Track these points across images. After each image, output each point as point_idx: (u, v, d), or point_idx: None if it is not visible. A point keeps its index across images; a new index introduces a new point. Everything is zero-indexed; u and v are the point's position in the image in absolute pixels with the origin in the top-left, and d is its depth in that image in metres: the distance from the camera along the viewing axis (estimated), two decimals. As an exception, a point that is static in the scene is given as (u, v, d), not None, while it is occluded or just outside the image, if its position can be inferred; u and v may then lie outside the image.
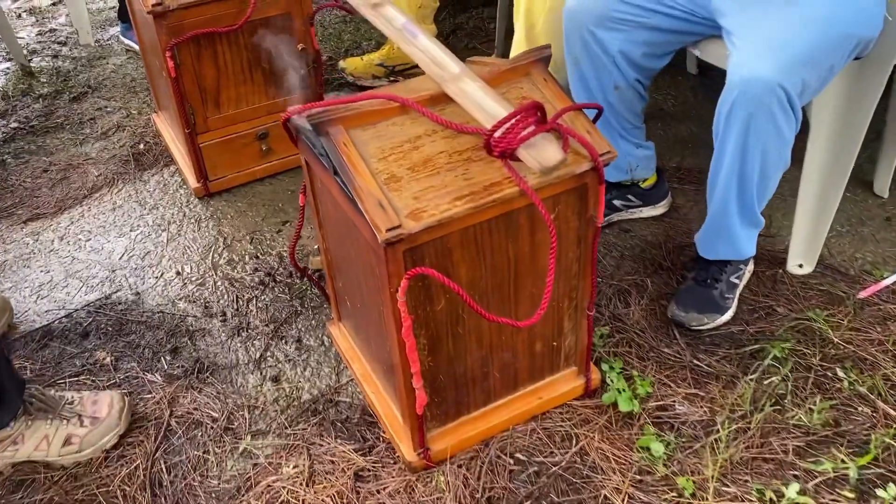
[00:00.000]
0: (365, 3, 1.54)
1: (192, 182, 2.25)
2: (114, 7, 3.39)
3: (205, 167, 2.22)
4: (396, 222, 1.18)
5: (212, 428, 1.63)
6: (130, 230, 2.18)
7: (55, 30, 3.31)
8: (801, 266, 1.93)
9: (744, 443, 1.53)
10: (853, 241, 2.01)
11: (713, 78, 2.70)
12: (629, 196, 2.10)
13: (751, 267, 1.88)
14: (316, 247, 1.72)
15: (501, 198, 1.25)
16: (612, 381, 1.64)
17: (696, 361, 1.70)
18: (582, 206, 1.38)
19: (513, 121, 1.17)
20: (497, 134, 1.19)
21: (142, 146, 2.49)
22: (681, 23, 1.76)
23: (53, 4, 3.53)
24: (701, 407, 1.61)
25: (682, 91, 2.66)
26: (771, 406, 1.59)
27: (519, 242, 1.35)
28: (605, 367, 1.67)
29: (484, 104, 1.27)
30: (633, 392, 1.62)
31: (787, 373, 1.65)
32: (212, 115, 2.16)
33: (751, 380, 1.65)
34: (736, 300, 1.82)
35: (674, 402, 1.62)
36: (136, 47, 2.81)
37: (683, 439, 1.55)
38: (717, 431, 1.55)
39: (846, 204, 2.09)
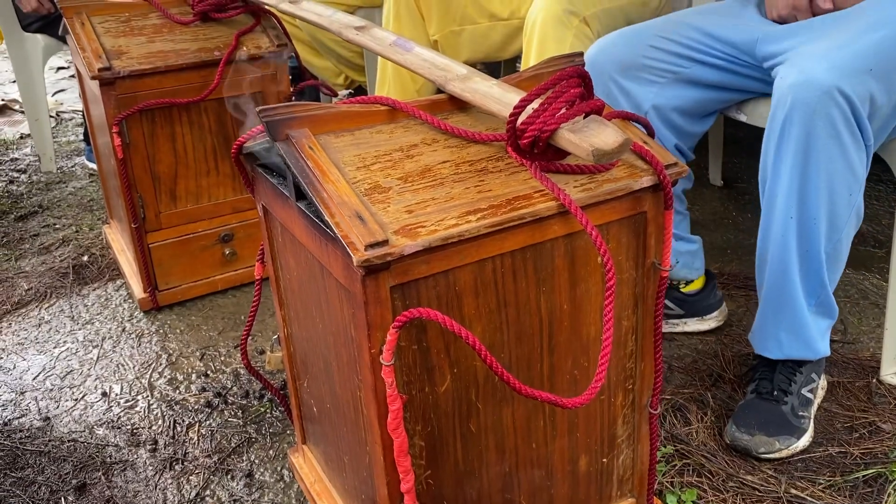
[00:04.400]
0: (348, 27, 1.25)
1: (138, 292, 1.86)
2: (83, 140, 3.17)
3: (154, 274, 1.84)
4: (381, 237, 0.80)
5: None
6: (54, 347, 1.76)
7: (17, 159, 3.05)
8: (899, 374, 1.51)
9: None
10: (955, 347, 1.60)
11: (740, 189, 2.42)
12: (665, 301, 1.71)
13: (824, 383, 1.46)
14: (274, 337, 1.30)
15: (531, 214, 0.87)
16: (682, 519, 1.18)
17: (794, 491, 1.24)
18: (640, 247, 0.99)
19: (547, 94, 0.82)
20: (525, 116, 0.83)
21: (86, 258, 2.12)
22: (723, 74, 1.48)
23: (21, 138, 3.31)
24: (814, 554, 1.13)
25: (708, 202, 2.36)
26: (918, 549, 1.12)
27: (555, 295, 0.95)
28: (670, 499, 1.21)
29: (504, 98, 0.92)
30: (716, 534, 1.15)
31: (924, 505, 1.19)
32: (166, 209, 1.81)
33: (877, 514, 1.18)
34: (812, 421, 1.38)
35: (774, 547, 1.15)
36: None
37: None
38: (849, 588, 1.07)
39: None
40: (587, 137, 0.81)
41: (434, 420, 0.93)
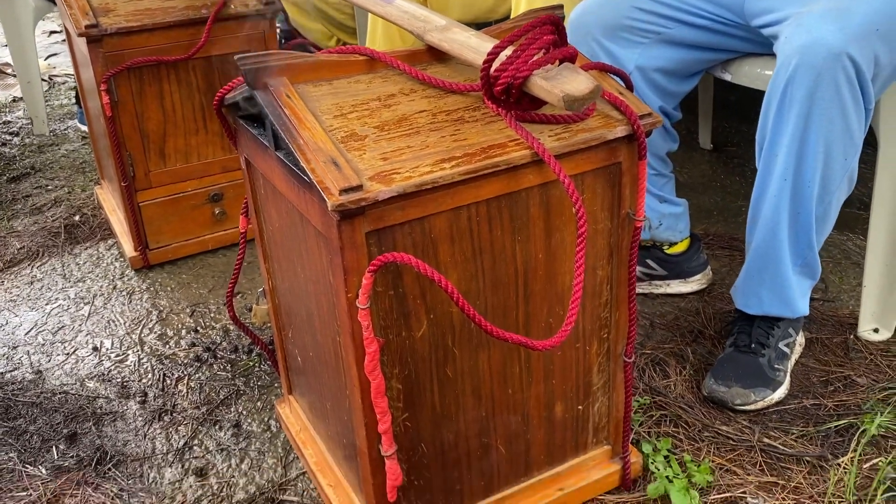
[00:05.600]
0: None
1: (129, 251, 1.88)
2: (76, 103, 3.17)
3: (144, 232, 1.86)
4: (355, 182, 0.81)
5: (102, 537, 1.16)
6: (46, 304, 1.78)
7: (9, 122, 3.05)
8: (876, 331, 1.53)
9: (855, 546, 1.08)
10: (933, 305, 1.63)
11: (729, 153, 2.43)
12: (649, 262, 1.73)
13: (802, 339, 1.49)
14: (259, 290, 1.32)
15: (505, 162, 0.88)
16: (657, 467, 1.21)
17: (766, 441, 1.27)
18: (614, 197, 1.01)
19: (521, 40, 0.83)
20: (498, 63, 0.85)
21: (77, 218, 2.14)
22: (707, 34, 1.48)
23: (13, 101, 3.31)
24: (784, 499, 1.16)
25: (697, 165, 2.37)
26: (884, 493, 1.15)
27: (530, 244, 0.97)
28: (646, 448, 1.24)
29: (481, 47, 0.94)
30: (689, 480, 1.18)
31: (894, 454, 1.22)
32: (155, 168, 1.82)
33: (847, 462, 1.21)
34: (788, 374, 1.40)
35: (744, 492, 1.18)
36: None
37: (767, 543, 1.10)
38: (815, 531, 1.10)
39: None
40: (559, 84, 0.82)
41: (411, 364, 0.95)
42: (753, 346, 1.40)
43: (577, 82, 0.81)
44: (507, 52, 0.85)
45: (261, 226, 1.19)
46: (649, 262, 1.73)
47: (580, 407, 1.13)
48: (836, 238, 1.88)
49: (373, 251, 0.86)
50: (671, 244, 1.72)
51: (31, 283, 1.87)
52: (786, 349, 1.42)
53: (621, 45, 1.49)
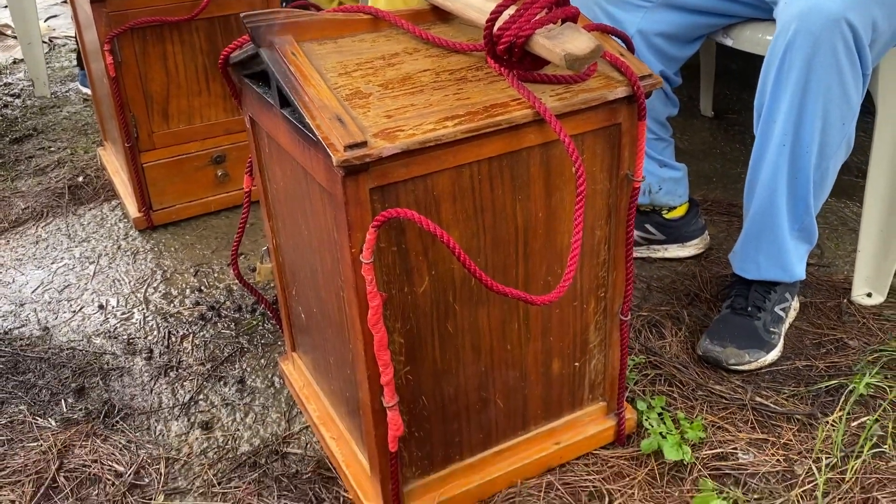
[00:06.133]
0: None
1: (133, 212, 1.90)
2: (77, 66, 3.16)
3: (148, 194, 1.88)
4: (360, 138, 0.83)
5: (112, 485, 1.19)
6: (52, 263, 1.80)
7: (10, 84, 3.05)
8: (869, 295, 1.56)
9: (840, 498, 1.11)
10: (926, 270, 1.65)
11: (730, 120, 2.43)
12: (648, 227, 1.75)
13: (797, 303, 1.51)
14: (263, 249, 1.35)
15: (507, 121, 0.90)
16: (651, 423, 1.24)
17: (758, 399, 1.30)
18: (613, 159, 1.03)
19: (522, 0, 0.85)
20: (501, 22, 0.86)
21: (81, 179, 2.15)
22: (710, -1, 1.48)
23: (14, 63, 3.30)
24: (773, 455, 1.20)
25: (697, 132, 2.38)
26: (869, 450, 1.18)
27: (530, 203, 0.99)
28: (641, 405, 1.27)
29: (484, 7, 0.95)
30: (682, 436, 1.21)
31: (880, 412, 1.26)
32: (158, 129, 1.83)
33: (836, 420, 1.24)
34: (783, 338, 1.43)
35: (735, 448, 1.21)
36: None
37: (756, 496, 1.13)
38: (802, 484, 1.13)
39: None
40: (560, 43, 0.83)
41: (413, 319, 0.98)
42: (750, 308, 1.42)
43: (578, 41, 0.83)
44: (510, 10, 0.86)
45: (265, 185, 1.21)
46: (648, 226, 1.75)
47: (577, 364, 1.16)
48: (833, 205, 1.90)
49: (376, 207, 0.88)
50: (670, 209, 1.74)
51: (37, 242, 1.89)
52: (781, 313, 1.45)
53: (623, 9, 1.50)
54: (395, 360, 0.99)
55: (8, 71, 3.20)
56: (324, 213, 0.97)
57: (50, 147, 2.41)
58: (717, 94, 2.52)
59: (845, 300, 1.56)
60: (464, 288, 1.00)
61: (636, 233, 1.74)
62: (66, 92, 2.94)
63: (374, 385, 0.97)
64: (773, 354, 1.40)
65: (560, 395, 1.17)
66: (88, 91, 2.82)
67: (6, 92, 2.98)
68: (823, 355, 1.42)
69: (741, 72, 2.72)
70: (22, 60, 3.27)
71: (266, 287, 1.61)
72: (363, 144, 0.83)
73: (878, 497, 1.11)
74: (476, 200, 0.95)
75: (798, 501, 1.11)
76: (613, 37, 1.04)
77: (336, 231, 0.93)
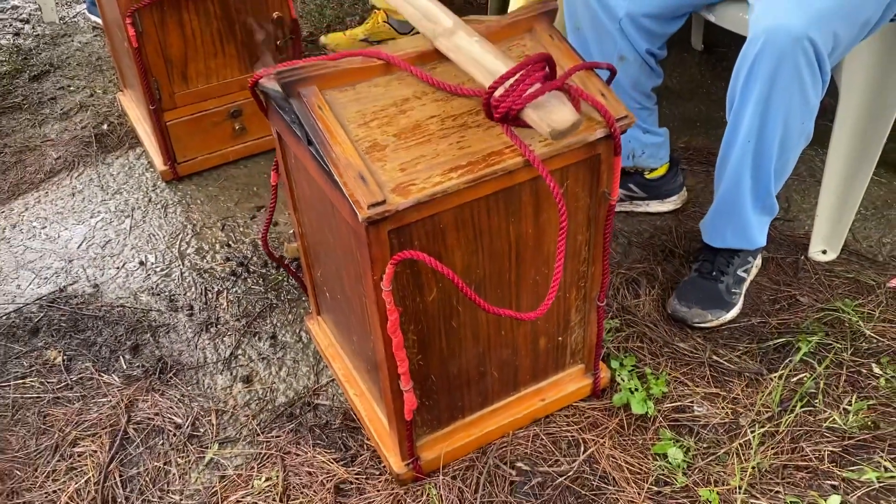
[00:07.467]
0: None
1: (159, 165, 2.06)
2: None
3: (172, 148, 2.03)
4: (380, 197, 1.01)
5: (174, 435, 1.44)
6: (90, 217, 1.99)
7: (17, 7, 3.10)
8: (824, 252, 1.76)
9: (773, 448, 1.36)
10: (879, 226, 1.85)
11: (720, 55, 2.54)
12: (631, 185, 1.92)
13: (759, 261, 1.71)
14: (291, 231, 1.53)
15: (502, 169, 1.07)
16: (622, 379, 1.47)
17: (715, 357, 1.53)
18: (594, 180, 1.20)
19: (516, 76, 1.00)
20: (498, 93, 1.01)
21: (105, 126, 2.30)
22: (695, -20, 1.59)
23: (17, -19, 3.32)
24: (723, 408, 1.44)
25: (687, 68, 2.49)
26: (802, 406, 1.42)
27: (521, 223, 1.18)
28: (614, 364, 1.50)
29: (483, 60, 1.09)
30: (647, 392, 1.45)
31: (817, 370, 1.49)
32: (179, 90, 1.97)
33: (778, 377, 1.48)
34: (742, 296, 1.64)
35: (692, 402, 1.46)
36: (102, 23, 2.61)
37: (705, 444, 1.38)
38: (743, 435, 1.38)
39: (870, 186, 1.93)
40: (547, 115, 0.99)
41: (424, 321, 1.19)
42: (714, 273, 1.63)
43: (562, 114, 0.99)
44: (507, 84, 1.01)
45: (290, 183, 1.38)
46: (631, 185, 1.92)
47: (560, 338, 1.38)
48: (806, 153, 2.05)
49: (393, 244, 1.07)
50: (651, 170, 1.90)
51: (73, 194, 2.07)
52: (743, 274, 1.65)
53: (612, -6, 1.60)
54: (410, 352, 1.21)
55: (13, -8, 3.23)
56: (348, 237, 1.15)
57: (69, 86, 2.52)
58: (708, 26, 2.60)
59: (802, 256, 1.76)
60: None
61: (619, 190, 1.92)
62: (74, 17, 3.00)
63: (393, 373, 1.19)
64: (733, 313, 1.62)
65: (546, 363, 1.40)
66: (97, 20, 2.89)
67: (14, 17, 3.03)
68: (776, 311, 1.63)
69: None
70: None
71: (292, 262, 1.79)
72: (383, 203, 1.00)
73: (804, 446, 1.36)
74: (475, 227, 1.14)
75: (738, 450, 1.36)
76: (597, 70, 1.18)
77: (359, 257, 1.12)
